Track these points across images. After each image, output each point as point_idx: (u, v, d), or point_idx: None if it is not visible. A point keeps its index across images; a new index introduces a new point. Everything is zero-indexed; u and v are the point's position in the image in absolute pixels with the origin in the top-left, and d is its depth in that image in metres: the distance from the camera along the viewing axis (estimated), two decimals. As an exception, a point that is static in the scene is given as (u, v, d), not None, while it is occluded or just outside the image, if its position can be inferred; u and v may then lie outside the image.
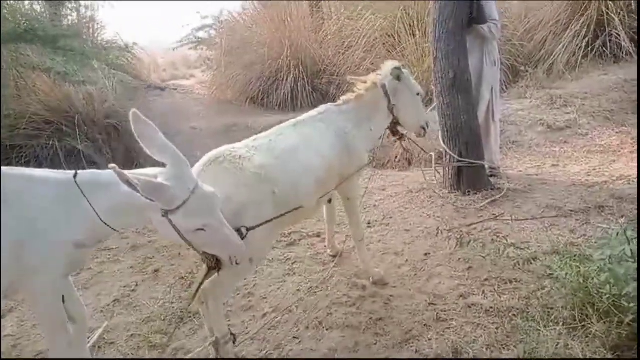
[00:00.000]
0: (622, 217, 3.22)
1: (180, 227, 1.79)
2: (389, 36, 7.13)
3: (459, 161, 4.04)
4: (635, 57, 6.15)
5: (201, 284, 2.16)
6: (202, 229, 1.79)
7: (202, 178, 2.02)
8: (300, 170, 2.40)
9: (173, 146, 1.82)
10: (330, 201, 3.03)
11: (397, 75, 2.81)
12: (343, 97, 2.87)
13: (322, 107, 2.80)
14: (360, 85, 2.89)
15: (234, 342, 2.31)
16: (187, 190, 1.76)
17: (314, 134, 2.60)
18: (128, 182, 1.66)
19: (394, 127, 3.03)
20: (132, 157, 5.44)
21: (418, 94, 2.95)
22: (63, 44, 5.17)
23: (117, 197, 1.84)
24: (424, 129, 3.04)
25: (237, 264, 1.95)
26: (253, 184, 2.18)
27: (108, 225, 1.88)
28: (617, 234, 2.10)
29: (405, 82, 2.86)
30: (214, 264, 2.00)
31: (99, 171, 1.95)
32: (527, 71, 6.68)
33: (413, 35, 6.74)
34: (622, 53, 6.38)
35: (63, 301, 2.08)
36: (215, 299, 2.25)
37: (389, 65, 2.88)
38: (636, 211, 3.25)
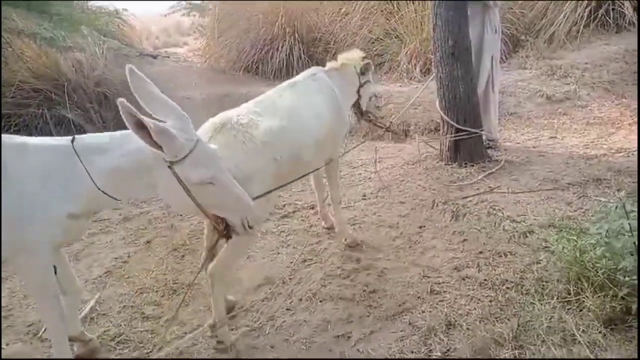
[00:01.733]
0: (620, 190, 3.18)
1: (187, 179, 1.71)
2: (387, 3, 6.93)
3: (457, 130, 3.97)
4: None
5: (209, 251, 2.12)
6: (211, 182, 1.72)
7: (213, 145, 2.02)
8: (302, 133, 2.45)
9: (172, 101, 1.77)
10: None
11: (366, 69, 3.04)
12: (328, 64, 3.03)
13: (313, 69, 2.90)
14: (340, 58, 3.07)
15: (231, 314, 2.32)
16: (192, 140, 1.70)
17: (309, 96, 2.66)
18: (137, 121, 1.59)
19: (359, 107, 3.17)
20: (124, 127, 5.33)
21: (375, 96, 3.26)
22: (50, 8, 4.98)
23: (117, 161, 1.77)
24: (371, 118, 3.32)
25: (249, 227, 1.86)
26: (261, 152, 2.18)
27: (107, 194, 1.81)
28: (616, 208, 2.06)
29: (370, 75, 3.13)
30: (224, 231, 1.89)
31: (98, 134, 1.89)
32: (527, 40, 6.53)
33: (412, 1, 6.55)
34: (625, 22, 6.22)
35: (55, 273, 2.05)
36: (221, 279, 2.23)
37: (357, 52, 3.11)
38: (634, 184, 3.22)
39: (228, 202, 1.80)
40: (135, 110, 1.57)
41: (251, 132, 2.18)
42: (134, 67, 1.73)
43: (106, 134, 1.89)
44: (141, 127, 1.60)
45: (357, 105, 3.15)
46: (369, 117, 3.28)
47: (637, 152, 3.76)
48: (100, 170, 1.78)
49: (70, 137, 1.82)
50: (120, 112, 1.56)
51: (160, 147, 1.65)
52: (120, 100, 1.55)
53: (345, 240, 3.06)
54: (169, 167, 1.70)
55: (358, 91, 3.08)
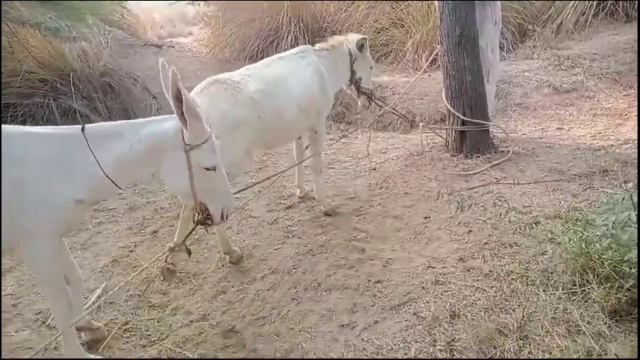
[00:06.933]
0: (627, 181, 3.17)
1: (199, 163, 1.90)
2: (393, -8, 6.86)
3: (463, 122, 3.95)
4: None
5: (187, 236, 2.27)
6: (213, 169, 1.94)
7: (203, 96, 2.51)
8: (286, 96, 2.85)
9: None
10: (299, 137, 3.47)
11: (362, 44, 3.37)
12: (318, 45, 3.35)
13: (301, 47, 3.28)
14: (331, 40, 3.41)
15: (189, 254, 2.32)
16: (208, 130, 1.94)
17: (297, 67, 3.05)
18: (177, 93, 1.76)
19: (357, 84, 3.48)
20: (129, 116, 5.35)
21: (371, 67, 3.60)
22: (56, -3, 4.97)
23: (128, 147, 1.88)
24: (370, 95, 3.62)
25: (227, 218, 2.11)
26: (247, 105, 2.59)
27: (113, 182, 1.89)
28: (623, 199, 2.05)
29: (365, 51, 3.44)
30: (204, 218, 2.07)
31: (108, 122, 1.99)
32: (534, 30, 6.45)
33: (418, -9, 6.48)
34: (634, 11, 6.13)
35: (58, 262, 2.09)
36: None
37: (355, 35, 3.48)
38: (641, 176, 3.20)
39: (219, 190, 2.02)
40: (179, 80, 1.75)
41: (241, 87, 2.59)
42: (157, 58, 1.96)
43: (113, 122, 1.99)
44: (178, 99, 1.78)
45: (354, 81, 3.44)
46: (365, 91, 3.52)
47: (637, 143, 3.72)
48: (108, 158, 1.87)
49: (80, 126, 1.88)
50: (170, 78, 1.75)
51: (184, 125, 1.82)
52: (172, 67, 1.77)
53: (324, 207, 3.32)
54: (187, 151, 1.88)
55: (352, 67, 3.38)
